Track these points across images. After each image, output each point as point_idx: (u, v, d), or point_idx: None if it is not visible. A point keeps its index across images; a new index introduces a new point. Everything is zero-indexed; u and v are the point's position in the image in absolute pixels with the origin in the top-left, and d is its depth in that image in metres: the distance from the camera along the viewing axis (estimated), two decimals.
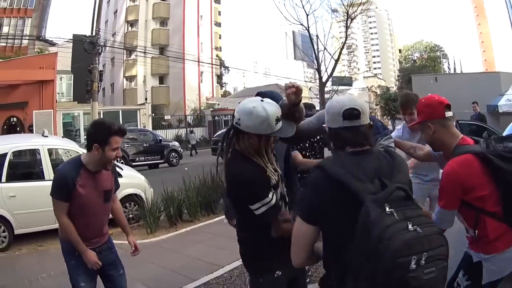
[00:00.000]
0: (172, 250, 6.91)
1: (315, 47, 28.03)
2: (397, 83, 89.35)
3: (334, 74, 27.34)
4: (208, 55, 52.48)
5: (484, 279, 2.69)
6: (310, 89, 29.40)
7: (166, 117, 41.53)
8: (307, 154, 4.71)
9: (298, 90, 2.71)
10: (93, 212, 3.54)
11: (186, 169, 10.14)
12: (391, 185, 1.93)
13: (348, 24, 27.51)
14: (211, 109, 47.72)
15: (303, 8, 26.23)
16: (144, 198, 9.03)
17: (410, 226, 1.77)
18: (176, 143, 25.31)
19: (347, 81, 32.91)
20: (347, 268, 1.91)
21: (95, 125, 3.64)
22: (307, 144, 4.71)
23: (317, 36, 27.77)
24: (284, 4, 37.56)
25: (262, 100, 2.60)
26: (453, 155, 2.74)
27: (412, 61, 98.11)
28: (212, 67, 53.14)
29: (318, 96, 26.83)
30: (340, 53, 29.04)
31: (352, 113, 2.16)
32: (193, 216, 8.85)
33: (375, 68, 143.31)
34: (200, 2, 53.70)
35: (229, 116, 41.49)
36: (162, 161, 22.76)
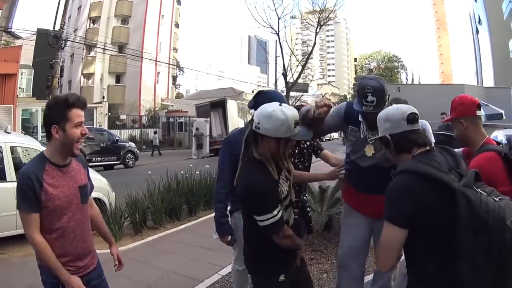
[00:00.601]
0: (142, 261, 6.39)
1: (282, 51, 28.16)
2: (351, 92, 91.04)
3: (289, 80, 27.54)
4: (166, 56, 52.20)
5: None
6: None
7: (122, 117, 40.51)
8: (295, 161, 4.48)
9: (329, 109, 2.99)
10: (71, 217, 2.80)
11: (149, 172, 9.65)
12: (463, 173, 2.26)
13: (318, 31, 27.66)
14: (166, 111, 47.38)
15: (276, 11, 26.23)
16: (107, 203, 8.36)
17: (496, 199, 2.10)
18: (132, 144, 24.83)
19: (303, 87, 33.10)
20: (456, 255, 2.05)
21: (48, 103, 2.87)
22: (296, 150, 4.51)
23: (278, 40, 27.83)
24: (255, 7, 37.59)
25: (280, 105, 2.68)
26: (479, 152, 3.02)
27: (368, 70, 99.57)
28: (169, 68, 52.74)
29: None
30: (308, 58, 29.23)
31: (414, 117, 2.44)
32: (158, 223, 8.39)
33: (329, 76, 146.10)
34: (163, 2, 53.26)
35: (183, 118, 41.25)
36: (118, 162, 22.10)
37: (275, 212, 2.60)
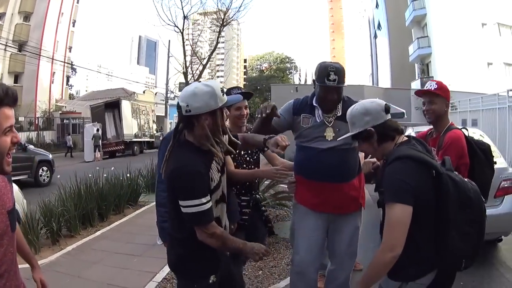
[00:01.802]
0: (70, 274, 5.89)
1: (185, 50, 28.12)
2: None
3: (182, 81, 27.56)
4: (62, 54, 49.94)
5: None
6: (156, 94, 29.81)
7: (20, 119, 38.12)
8: (243, 153, 4.36)
9: (283, 148, 3.01)
10: (3, 254, 2.01)
11: (58, 176, 9.10)
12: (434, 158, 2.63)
13: (221, 29, 27.78)
14: (60, 112, 45.79)
15: (182, 9, 26.10)
16: (20, 211, 7.43)
17: (465, 180, 2.52)
18: (32, 147, 18.31)
19: None
20: (446, 227, 2.36)
21: None
22: None
23: (182, 39, 27.72)
24: (161, 4, 36.97)
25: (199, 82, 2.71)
26: (447, 130, 3.63)
27: (259, 71, 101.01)
28: (64, 68, 50.67)
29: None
30: (209, 58, 29.31)
31: (389, 108, 2.66)
32: (73, 230, 7.83)
33: (218, 76, 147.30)
34: None
35: (77, 119, 39.91)
36: (28, 172, 15.78)
37: (204, 200, 2.47)
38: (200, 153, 2.60)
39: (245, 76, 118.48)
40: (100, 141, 29.68)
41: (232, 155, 4.20)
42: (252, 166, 4.36)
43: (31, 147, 17.85)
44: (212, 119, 2.58)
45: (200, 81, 2.39)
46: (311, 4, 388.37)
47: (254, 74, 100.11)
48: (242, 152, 4.36)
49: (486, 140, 6.88)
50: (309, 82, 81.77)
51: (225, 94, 2.66)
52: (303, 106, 3.75)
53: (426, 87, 3.75)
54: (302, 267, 3.78)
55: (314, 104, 3.67)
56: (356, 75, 72.54)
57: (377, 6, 56.07)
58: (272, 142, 3.05)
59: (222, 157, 2.76)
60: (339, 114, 3.54)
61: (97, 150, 29.06)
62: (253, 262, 5.92)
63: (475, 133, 6.99)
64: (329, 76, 3.40)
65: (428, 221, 2.42)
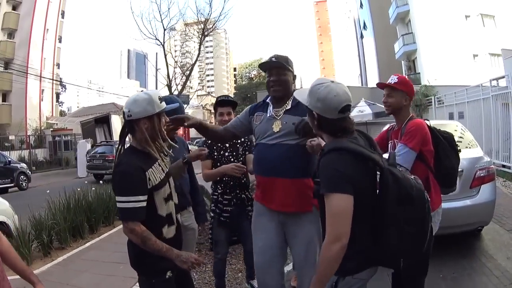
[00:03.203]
0: (60, 282, 6.12)
1: (167, 62, 28.14)
2: None
3: (173, 92, 27.59)
4: (50, 71, 49.56)
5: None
6: None
7: (10, 137, 38.16)
8: (227, 154, 4.65)
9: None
10: None
11: (48, 191, 9.16)
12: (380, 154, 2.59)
13: (202, 40, 27.82)
14: (51, 129, 45.17)
15: (162, 22, 26.20)
16: (11, 226, 7.82)
17: (411, 177, 2.49)
18: (24, 165, 23.66)
19: (184, 99, 33.21)
20: (384, 223, 2.35)
21: None
22: (227, 145, 4.65)
23: (164, 51, 27.80)
24: (141, 18, 36.94)
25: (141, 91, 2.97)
26: (412, 119, 3.73)
27: (249, 79, 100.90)
28: (52, 85, 50.37)
29: None
30: (192, 69, 29.36)
31: (347, 108, 2.50)
32: (64, 242, 8.00)
33: (208, 87, 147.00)
34: (48, 14, 50.37)
35: (69, 136, 39.77)
36: (12, 184, 21.02)
37: (131, 198, 2.64)
38: (140, 155, 2.81)
39: (235, 85, 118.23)
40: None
41: (216, 156, 4.64)
42: None
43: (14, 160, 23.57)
44: (150, 124, 2.81)
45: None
46: (297, 8, 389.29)
47: (244, 82, 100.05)
48: (226, 154, 4.63)
49: (467, 133, 6.99)
50: (298, 86, 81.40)
51: (163, 102, 2.89)
52: (258, 106, 3.84)
53: (388, 81, 3.82)
54: (259, 274, 3.70)
55: (267, 101, 3.76)
56: (345, 76, 72.60)
57: (361, 6, 56.35)
58: (192, 155, 3.60)
59: (161, 158, 2.97)
60: (288, 107, 3.56)
61: None
62: (232, 265, 6.18)
63: (457, 126, 7.12)
64: (271, 59, 3.58)
65: (366, 214, 2.41)
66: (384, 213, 2.35)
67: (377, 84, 4.20)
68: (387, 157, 2.60)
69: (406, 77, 3.95)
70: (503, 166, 14.53)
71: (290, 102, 3.58)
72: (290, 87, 3.61)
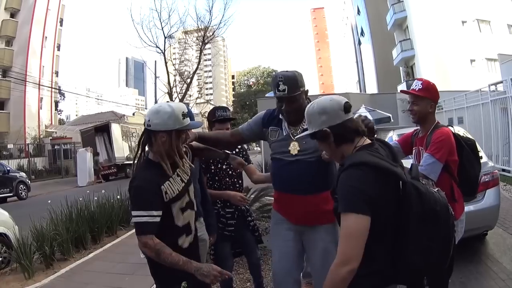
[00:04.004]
0: None
1: (168, 70, 28.07)
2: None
3: (175, 99, 27.54)
4: (49, 79, 49.50)
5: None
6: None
7: (9, 146, 37.86)
8: (224, 167, 4.55)
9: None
10: None
11: (49, 201, 9.12)
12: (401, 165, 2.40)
13: (202, 48, 27.80)
14: (51, 138, 45.10)
15: (162, 30, 26.15)
16: (12, 238, 7.73)
17: (434, 190, 2.31)
18: (23, 174, 23.58)
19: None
20: (405, 240, 2.18)
21: None
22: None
23: (164, 59, 27.76)
24: (142, 26, 36.95)
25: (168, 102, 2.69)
26: (435, 128, 3.65)
27: (247, 86, 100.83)
28: (51, 93, 50.25)
29: None
30: (192, 77, 29.32)
31: (350, 106, 2.43)
32: (66, 253, 7.87)
33: (207, 95, 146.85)
34: (47, 22, 50.31)
35: (68, 144, 39.66)
36: (11, 194, 20.77)
37: (144, 213, 2.62)
38: (157, 169, 2.78)
39: (233, 93, 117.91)
40: (92, 166, 29.50)
41: (214, 170, 4.50)
42: (235, 179, 4.56)
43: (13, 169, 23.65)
44: (168, 138, 2.74)
45: (169, 102, 2.58)
46: (294, 16, 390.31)
47: (242, 90, 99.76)
48: (224, 166, 4.52)
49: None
50: None
51: (187, 118, 2.82)
52: (272, 118, 3.67)
53: (412, 87, 3.76)
54: (279, 278, 3.58)
55: (280, 117, 3.59)
56: (343, 83, 72.68)
57: (358, 12, 56.45)
58: (238, 161, 3.68)
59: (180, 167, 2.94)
60: (305, 126, 3.17)
61: (97, 174, 29.14)
62: (240, 275, 6.05)
63: (459, 131, 7.15)
64: (279, 86, 3.31)
65: (386, 232, 2.24)
66: (406, 230, 2.18)
67: (401, 91, 4.35)
68: (409, 168, 2.44)
69: (430, 81, 3.77)
70: (503, 170, 14.53)
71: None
72: (304, 108, 3.10)
